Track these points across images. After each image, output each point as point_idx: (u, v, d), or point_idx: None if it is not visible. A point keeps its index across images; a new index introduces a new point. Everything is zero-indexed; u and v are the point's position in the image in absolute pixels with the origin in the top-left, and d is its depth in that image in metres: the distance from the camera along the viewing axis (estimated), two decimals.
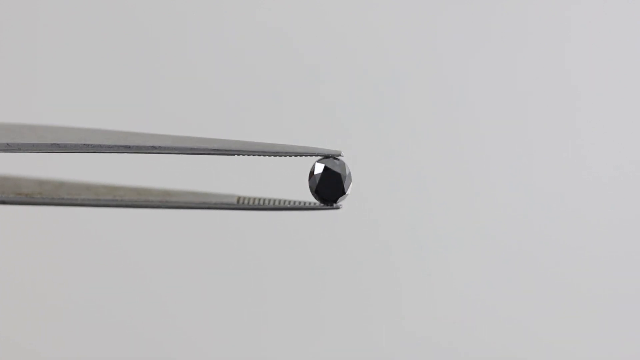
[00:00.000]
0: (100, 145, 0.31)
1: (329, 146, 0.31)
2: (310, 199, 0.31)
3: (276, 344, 0.66)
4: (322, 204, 0.30)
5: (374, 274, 0.66)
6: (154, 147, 0.31)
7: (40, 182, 0.34)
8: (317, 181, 0.30)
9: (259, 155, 0.30)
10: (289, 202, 0.31)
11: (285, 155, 0.31)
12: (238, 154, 0.30)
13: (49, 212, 0.64)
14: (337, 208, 0.30)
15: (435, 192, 0.66)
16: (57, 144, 0.31)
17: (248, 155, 0.30)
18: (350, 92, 0.65)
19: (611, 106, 0.66)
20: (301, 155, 0.31)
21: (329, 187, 0.30)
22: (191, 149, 0.30)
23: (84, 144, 0.31)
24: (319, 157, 0.31)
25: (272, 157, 0.31)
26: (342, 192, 0.30)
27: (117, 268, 0.66)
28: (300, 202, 0.31)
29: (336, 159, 0.30)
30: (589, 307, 0.65)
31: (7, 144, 0.31)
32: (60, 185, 0.34)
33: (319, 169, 0.30)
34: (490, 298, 0.66)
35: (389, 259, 0.66)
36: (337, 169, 0.30)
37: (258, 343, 0.66)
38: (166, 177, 0.62)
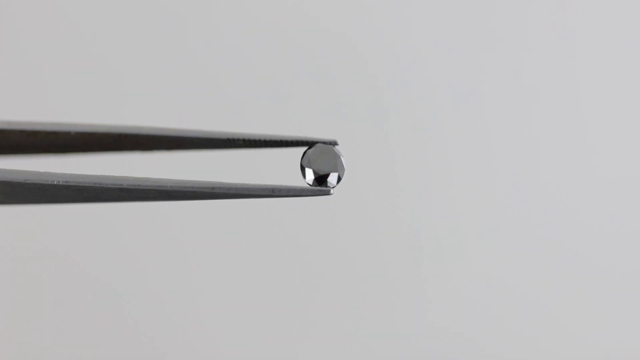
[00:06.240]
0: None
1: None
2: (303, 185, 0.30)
3: (281, 345, 0.66)
4: (313, 186, 0.29)
5: (397, 266, 0.65)
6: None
7: None
8: (310, 155, 0.29)
9: (252, 147, 0.30)
10: (280, 188, 0.30)
11: (280, 147, 0.30)
12: (228, 148, 0.30)
13: (45, 206, 0.64)
14: (329, 194, 0.29)
15: (452, 185, 0.65)
16: None
17: (238, 148, 0.30)
18: (351, 86, 0.65)
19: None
20: (296, 145, 0.30)
21: (323, 161, 0.29)
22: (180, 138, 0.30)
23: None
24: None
25: (265, 148, 0.30)
26: (335, 168, 0.29)
27: (112, 263, 0.66)
28: (291, 188, 0.30)
29: (330, 144, 0.29)
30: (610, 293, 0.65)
31: None
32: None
33: (312, 145, 0.29)
34: (509, 287, 0.65)
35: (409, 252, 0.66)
36: (330, 144, 0.29)
37: (249, 342, 0.66)
38: (159, 169, 0.62)
